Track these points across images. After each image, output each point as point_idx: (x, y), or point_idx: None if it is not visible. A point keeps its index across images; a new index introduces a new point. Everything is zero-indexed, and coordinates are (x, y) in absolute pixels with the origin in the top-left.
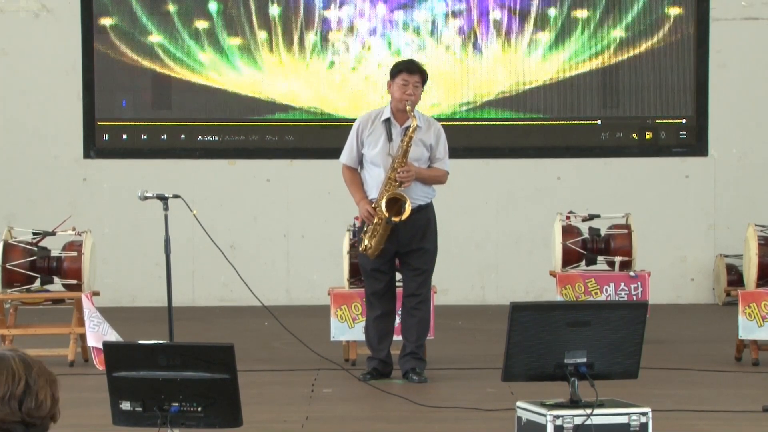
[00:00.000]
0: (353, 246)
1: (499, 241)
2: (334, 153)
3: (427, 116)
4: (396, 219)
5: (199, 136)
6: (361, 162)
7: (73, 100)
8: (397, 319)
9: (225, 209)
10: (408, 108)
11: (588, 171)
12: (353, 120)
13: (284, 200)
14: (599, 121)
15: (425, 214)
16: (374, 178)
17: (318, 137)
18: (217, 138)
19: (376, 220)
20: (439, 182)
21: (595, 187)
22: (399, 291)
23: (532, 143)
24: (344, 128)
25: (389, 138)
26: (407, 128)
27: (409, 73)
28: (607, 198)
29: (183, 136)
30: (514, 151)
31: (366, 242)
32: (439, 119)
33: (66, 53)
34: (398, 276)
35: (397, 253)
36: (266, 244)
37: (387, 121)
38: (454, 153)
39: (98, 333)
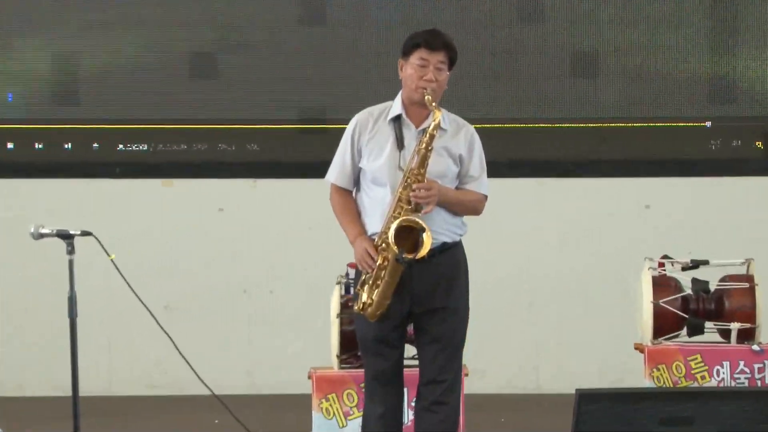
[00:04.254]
0: (346, 306)
1: (559, 297)
2: (320, 169)
3: (454, 115)
4: (409, 256)
5: (121, 145)
6: (357, 181)
7: None
8: (410, 414)
9: (157, 252)
10: (427, 98)
11: (690, 196)
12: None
13: (244, 239)
14: (708, 123)
15: (452, 256)
16: (377, 203)
17: (296, 147)
18: (146, 147)
19: (380, 261)
20: (473, 211)
21: (702, 219)
22: (410, 373)
23: (609, 155)
24: (337, 133)
25: (399, 144)
26: (425, 129)
27: (429, 49)
28: (718, 236)
29: (97, 144)
30: (581, 166)
31: (364, 297)
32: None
33: None
34: (409, 351)
35: (410, 315)
36: (218, 304)
37: (397, 119)
38: (494, 169)
39: None
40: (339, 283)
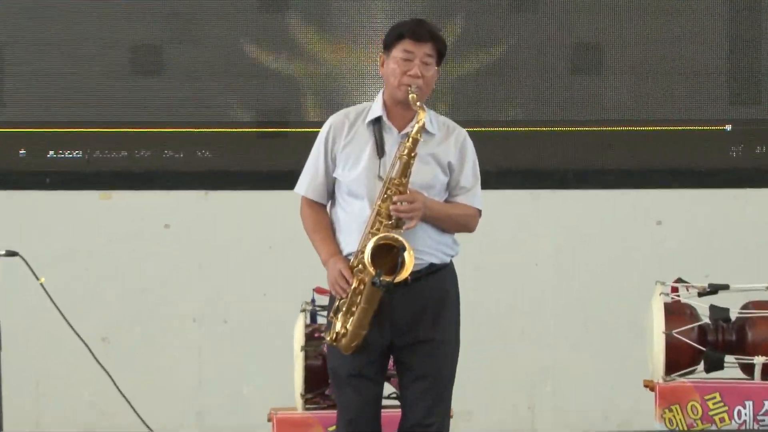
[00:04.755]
0: (312, 337)
1: (556, 327)
2: (281, 180)
3: (444, 118)
4: (388, 278)
5: (51, 152)
6: (332, 194)
7: None
8: None
9: (94, 275)
10: (411, 97)
11: (708, 210)
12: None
13: (194, 259)
14: (728, 127)
15: (440, 280)
16: (354, 218)
17: (254, 154)
18: (81, 154)
19: (355, 284)
20: (464, 228)
21: (721, 237)
22: (389, 415)
23: (614, 163)
24: (305, 139)
25: (380, 150)
26: (408, 133)
27: (415, 40)
28: (740, 257)
29: (24, 151)
30: (581, 176)
31: (338, 326)
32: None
33: None
34: (388, 388)
35: (391, 347)
36: (163, 335)
37: (377, 122)
38: (481, 180)
39: None
40: (304, 310)
